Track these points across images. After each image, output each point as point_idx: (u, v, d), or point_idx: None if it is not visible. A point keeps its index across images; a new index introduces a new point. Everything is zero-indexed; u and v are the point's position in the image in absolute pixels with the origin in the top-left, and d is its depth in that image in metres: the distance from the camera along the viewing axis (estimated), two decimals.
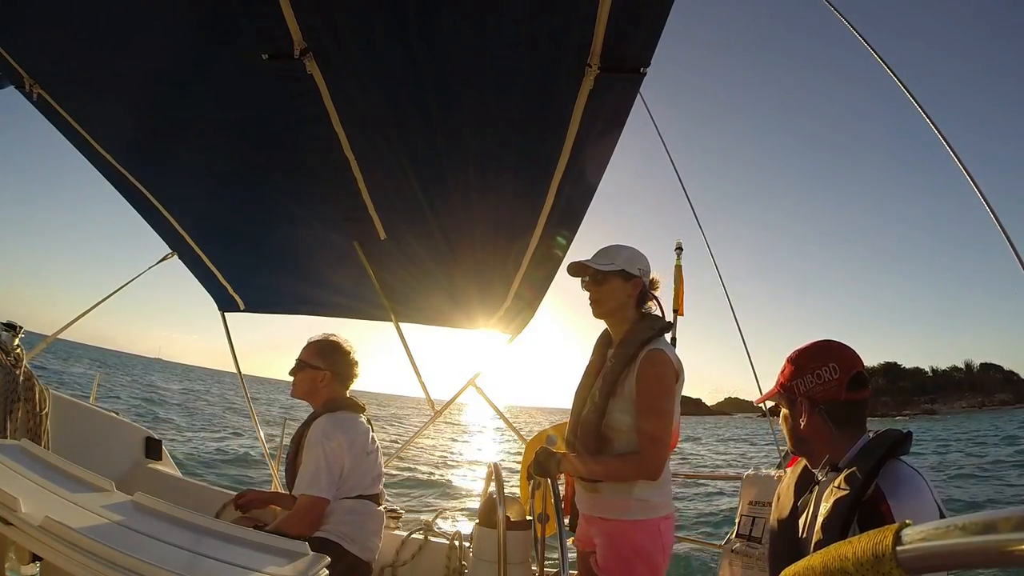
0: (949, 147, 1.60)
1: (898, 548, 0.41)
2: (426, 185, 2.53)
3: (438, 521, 3.04)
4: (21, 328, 2.76)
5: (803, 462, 1.43)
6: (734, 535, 2.28)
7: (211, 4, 1.92)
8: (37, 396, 2.73)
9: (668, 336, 1.99)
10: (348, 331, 2.69)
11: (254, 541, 1.52)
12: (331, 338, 2.40)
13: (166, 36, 2.11)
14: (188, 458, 10.70)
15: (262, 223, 3.15)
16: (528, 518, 2.06)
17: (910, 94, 1.69)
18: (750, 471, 2.39)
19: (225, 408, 26.27)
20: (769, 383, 1.48)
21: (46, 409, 2.78)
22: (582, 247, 2.30)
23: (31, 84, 2.40)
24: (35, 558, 1.90)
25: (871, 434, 1.29)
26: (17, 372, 2.66)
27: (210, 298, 3.83)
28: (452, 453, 19.90)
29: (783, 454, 2.41)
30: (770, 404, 1.54)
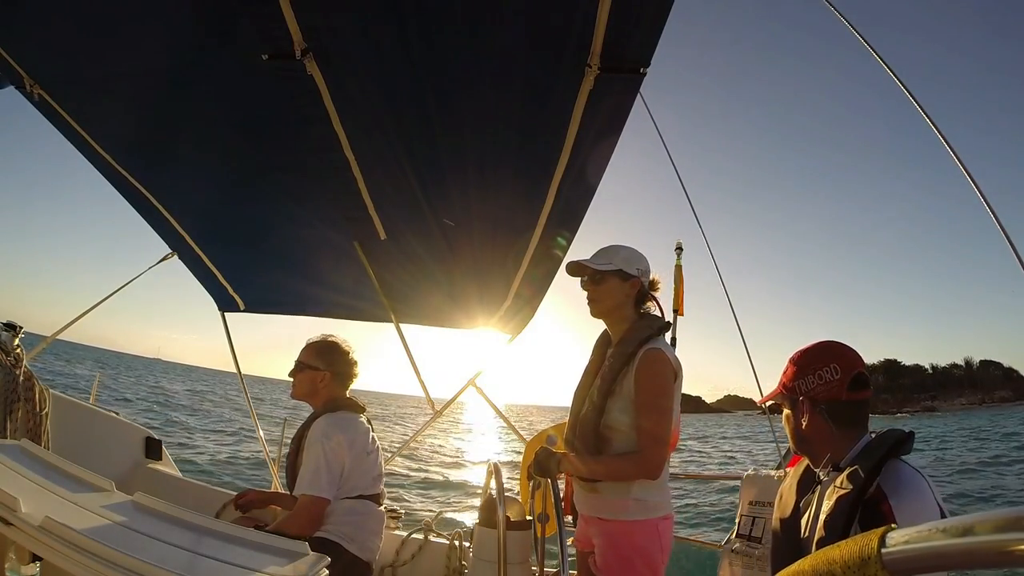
0: (948, 145, 1.60)
1: (883, 550, 0.42)
2: (426, 185, 2.53)
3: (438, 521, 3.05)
4: (21, 328, 2.76)
5: (805, 462, 1.44)
6: (734, 535, 2.28)
7: (211, 5, 1.92)
8: (37, 396, 2.73)
9: (667, 336, 1.98)
10: (347, 331, 2.69)
11: (254, 541, 1.52)
12: (329, 339, 2.40)
13: (166, 37, 2.11)
14: (211, 463, 10.69)
15: (262, 223, 3.15)
16: (528, 518, 2.06)
17: (909, 93, 1.69)
18: (750, 471, 2.39)
19: (233, 408, 26.27)
20: (768, 381, 1.49)
21: (46, 409, 2.78)
22: (582, 247, 2.30)
23: (31, 84, 2.40)
24: (35, 558, 1.90)
25: (872, 434, 1.30)
26: (17, 372, 2.66)
27: (209, 298, 3.83)
28: (463, 452, 19.99)
29: (783, 454, 2.41)
30: (770, 403, 1.56)
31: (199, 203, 3.16)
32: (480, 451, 21.00)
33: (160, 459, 3.48)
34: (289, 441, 2.43)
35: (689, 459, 20.71)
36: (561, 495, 1.93)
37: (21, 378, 2.67)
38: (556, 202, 2.43)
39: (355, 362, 2.38)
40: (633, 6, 1.61)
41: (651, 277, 1.94)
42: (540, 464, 1.89)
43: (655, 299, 1.94)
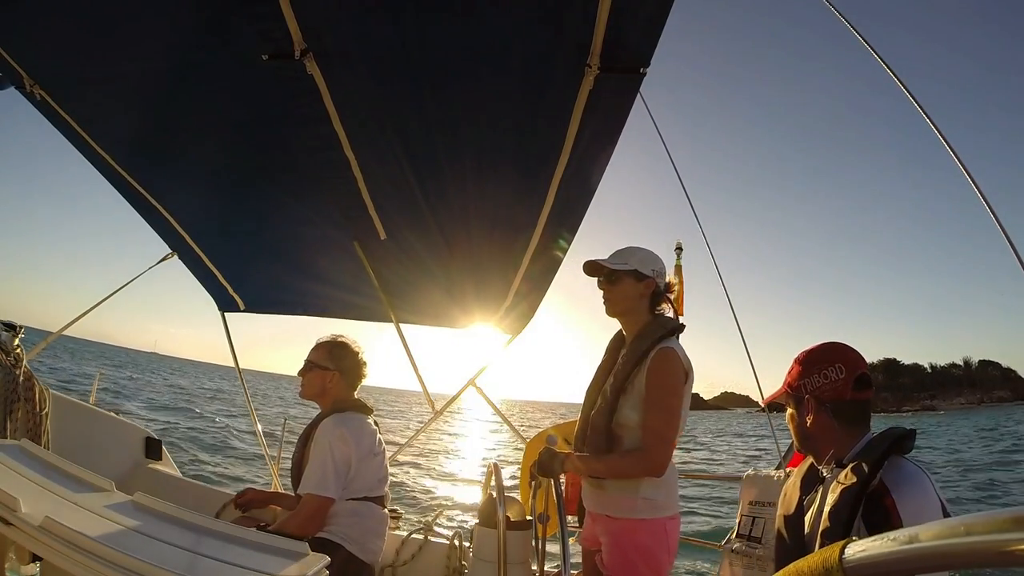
0: (948, 145, 1.60)
1: (844, 558, 0.46)
2: (426, 185, 2.53)
3: (438, 521, 3.04)
4: (21, 328, 2.76)
5: (808, 460, 1.47)
6: (734, 535, 2.28)
7: (211, 5, 1.92)
8: (37, 396, 2.73)
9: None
10: (347, 328, 2.69)
11: (254, 541, 1.52)
12: (340, 339, 2.39)
13: (167, 37, 2.11)
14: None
15: (262, 223, 3.15)
16: (528, 518, 2.06)
17: (909, 93, 1.68)
18: (750, 471, 2.39)
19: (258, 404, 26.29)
20: (767, 379, 1.50)
21: (46, 409, 2.78)
22: (582, 246, 2.30)
23: (31, 84, 2.40)
24: (35, 558, 1.90)
25: (874, 432, 1.33)
26: (17, 372, 2.65)
27: (205, 293, 3.82)
28: (460, 451, 19.99)
29: (783, 454, 2.41)
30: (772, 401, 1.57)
31: (199, 203, 3.16)
32: (480, 451, 21.02)
33: (160, 459, 3.48)
34: (289, 440, 2.42)
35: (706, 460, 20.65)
36: (562, 495, 1.93)
37: (21, 378, 2.67)
38: (556, 202, 2.43)
39: (364, 363, 2.38)
40: (633, 6, 1.61)
41: (667, 279, 1.96)
42: (543, 464, 1.90)
43: (670, 300, 1.95)
